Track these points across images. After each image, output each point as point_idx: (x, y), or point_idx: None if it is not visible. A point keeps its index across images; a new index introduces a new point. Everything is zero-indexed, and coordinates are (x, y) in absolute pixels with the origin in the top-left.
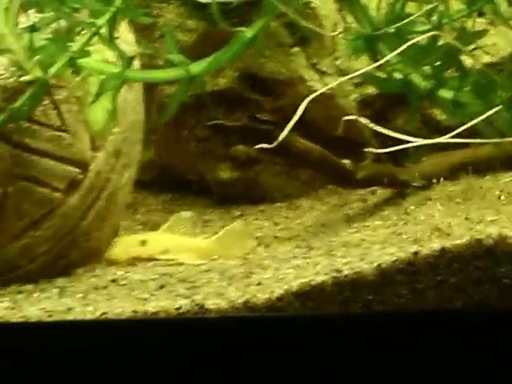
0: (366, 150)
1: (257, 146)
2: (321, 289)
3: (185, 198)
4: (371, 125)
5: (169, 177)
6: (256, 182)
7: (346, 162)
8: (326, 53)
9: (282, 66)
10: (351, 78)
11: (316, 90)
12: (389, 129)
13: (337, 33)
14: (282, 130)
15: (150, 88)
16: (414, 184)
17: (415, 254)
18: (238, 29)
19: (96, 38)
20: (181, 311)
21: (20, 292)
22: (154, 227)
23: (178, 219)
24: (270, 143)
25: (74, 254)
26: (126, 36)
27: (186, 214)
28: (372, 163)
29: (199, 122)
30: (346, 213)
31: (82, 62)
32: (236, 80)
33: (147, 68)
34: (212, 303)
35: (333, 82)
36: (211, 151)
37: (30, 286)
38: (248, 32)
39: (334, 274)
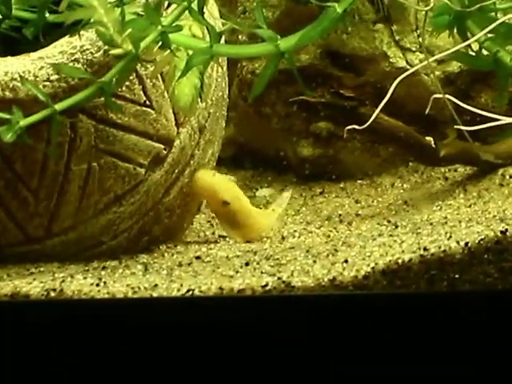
0: (456, 127)
1: (348, 128)
2: (408, 267)
3: (265, 174)
4: (459, 103)
5: (249, 153)
6: (337, 159)
7: (429, 139)
8: (409, 29)
9: (365, 42)
10: (433, 55)
11: (398, 67)
12: (472, 107)
13: (427, 8)
14: (365, 107)
15: (230, 64)
16: (496, 162)
17: (503, 232)
18: (328, 4)
19: (185, 13)
20: (267, 288)
21: (104, 268)
22: None
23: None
24: (354, 120)
25: (156, 230)
26: (212, 11)
27: (266, 192)
28: (454, 141)
29: (280, 99)
30: (428, 190)
31: (171, 36)
32: (318, 56)
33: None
34: (298, 281)
35: (415, 59)
36: (292, 128)
37: (113, 262)
38: (338, 7)
39: (421, 253)
